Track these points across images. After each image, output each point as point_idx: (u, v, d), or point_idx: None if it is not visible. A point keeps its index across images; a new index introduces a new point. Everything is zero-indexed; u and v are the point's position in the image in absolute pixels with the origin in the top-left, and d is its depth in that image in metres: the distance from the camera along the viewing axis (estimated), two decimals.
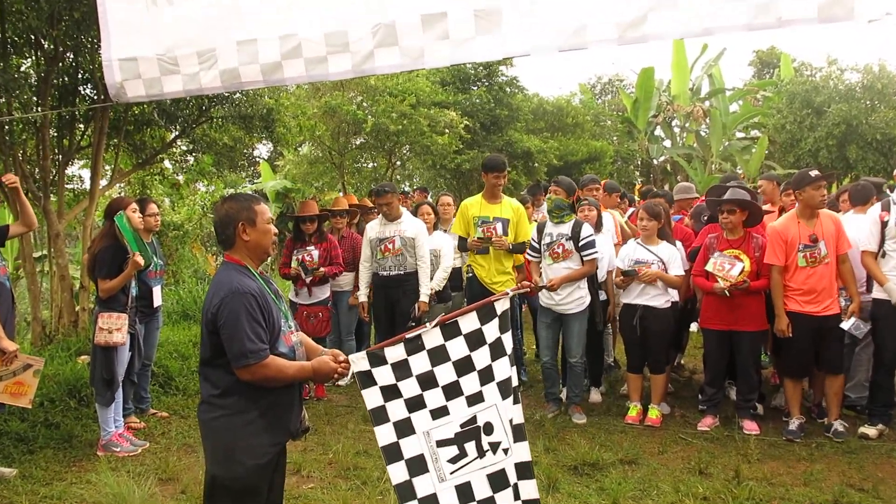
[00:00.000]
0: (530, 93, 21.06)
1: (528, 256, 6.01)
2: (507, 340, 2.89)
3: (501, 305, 2.91)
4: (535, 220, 7.79)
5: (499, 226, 5.94)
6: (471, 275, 6.13)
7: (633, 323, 5.68)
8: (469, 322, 2.90)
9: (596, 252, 5.70)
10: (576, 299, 5.71)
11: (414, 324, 5.86)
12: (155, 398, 6.29)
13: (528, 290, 4.14)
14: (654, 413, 5.69)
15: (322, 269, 6.51)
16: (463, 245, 6.15)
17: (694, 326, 8.61)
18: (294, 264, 6.52)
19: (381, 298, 6.34)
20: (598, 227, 6.16)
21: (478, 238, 5.95)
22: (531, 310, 7.18)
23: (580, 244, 5.65)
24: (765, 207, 6.19)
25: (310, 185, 15.51)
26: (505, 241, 5.92)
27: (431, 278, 6.35)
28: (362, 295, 6.51)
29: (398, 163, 15.87)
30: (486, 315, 2.91)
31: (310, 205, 6.89)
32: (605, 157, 20.80)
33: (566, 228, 5.72)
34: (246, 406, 2.75)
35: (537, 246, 5.89)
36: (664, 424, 5.65)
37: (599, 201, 6.58)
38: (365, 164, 15.69)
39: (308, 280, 6.48)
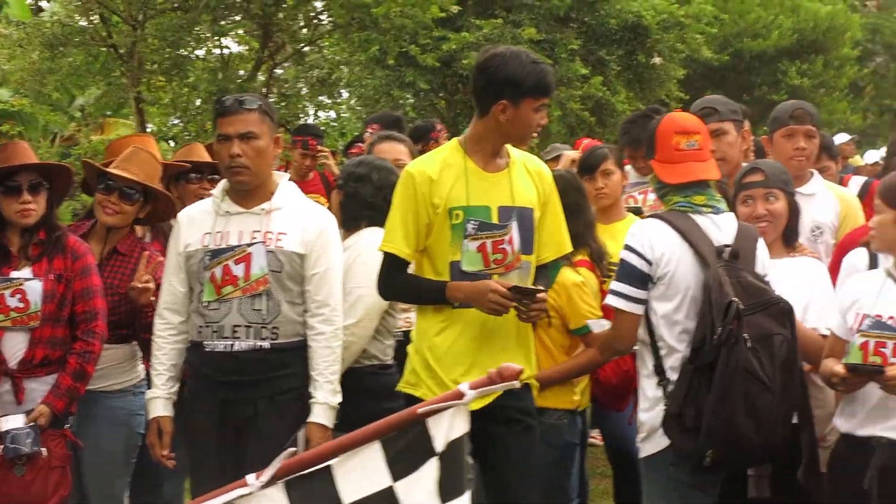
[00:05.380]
0: None
1: (617, 292, 6.30)
2: None
3: (448, 427, 3.21)
4: (637, 204, 8.49)
5: (515, 230, 6.21)
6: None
7: (865, 486, 5.89)
8: (360, 469, 3.27)
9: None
10: None
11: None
12: None
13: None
14: None
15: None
16: (405, 289, 6.52)
17: None
18: None
19: (209, 412, 6.58)
20: (788, 237, 6.74)
21: (488, 275, 6.12)
22: (611, 447, 8.21)
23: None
24: None
25: (44, 100, 16.56)
26: (545, 298, 6.16)
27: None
28: (159, 404, 6.70)
29: (287, 50, 17.26)
30: (405, 451, 3.25)
31: (19, 149, 7.23)
32: (839, 42, 21.85)
33: (725, 235, 6.17)
34: None
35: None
36: None
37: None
38: (199, 53, 16.75)
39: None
